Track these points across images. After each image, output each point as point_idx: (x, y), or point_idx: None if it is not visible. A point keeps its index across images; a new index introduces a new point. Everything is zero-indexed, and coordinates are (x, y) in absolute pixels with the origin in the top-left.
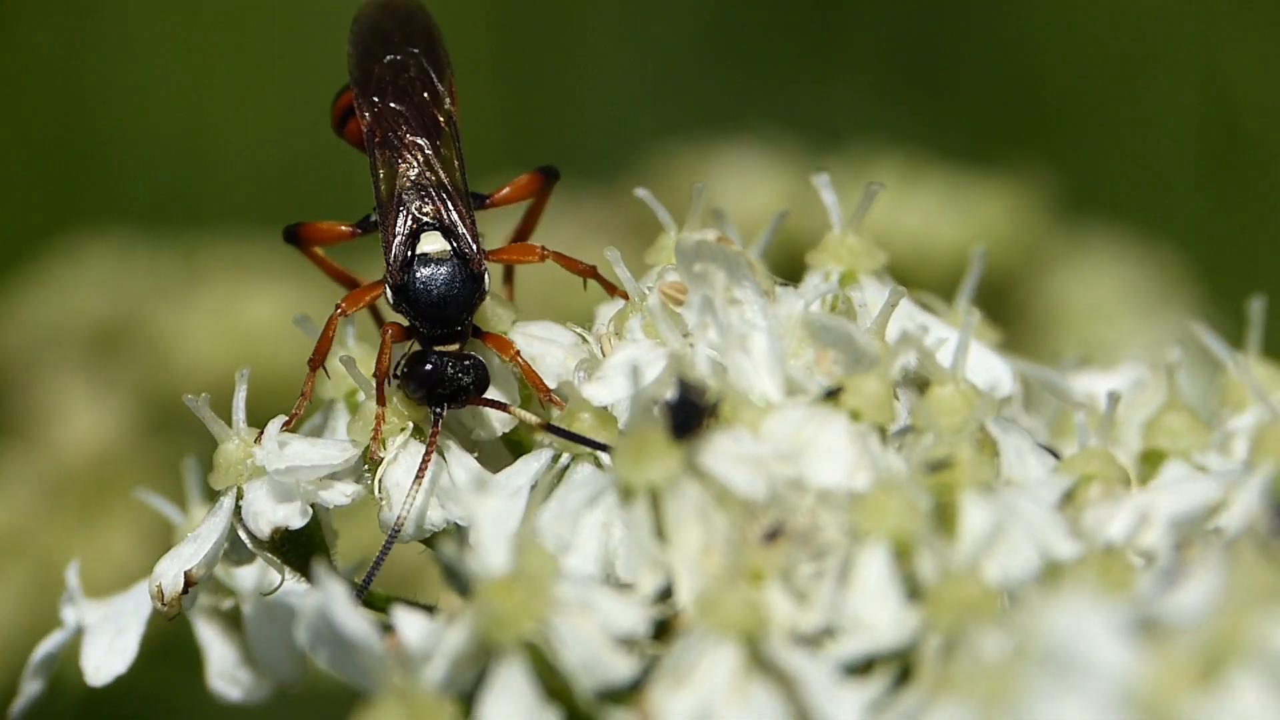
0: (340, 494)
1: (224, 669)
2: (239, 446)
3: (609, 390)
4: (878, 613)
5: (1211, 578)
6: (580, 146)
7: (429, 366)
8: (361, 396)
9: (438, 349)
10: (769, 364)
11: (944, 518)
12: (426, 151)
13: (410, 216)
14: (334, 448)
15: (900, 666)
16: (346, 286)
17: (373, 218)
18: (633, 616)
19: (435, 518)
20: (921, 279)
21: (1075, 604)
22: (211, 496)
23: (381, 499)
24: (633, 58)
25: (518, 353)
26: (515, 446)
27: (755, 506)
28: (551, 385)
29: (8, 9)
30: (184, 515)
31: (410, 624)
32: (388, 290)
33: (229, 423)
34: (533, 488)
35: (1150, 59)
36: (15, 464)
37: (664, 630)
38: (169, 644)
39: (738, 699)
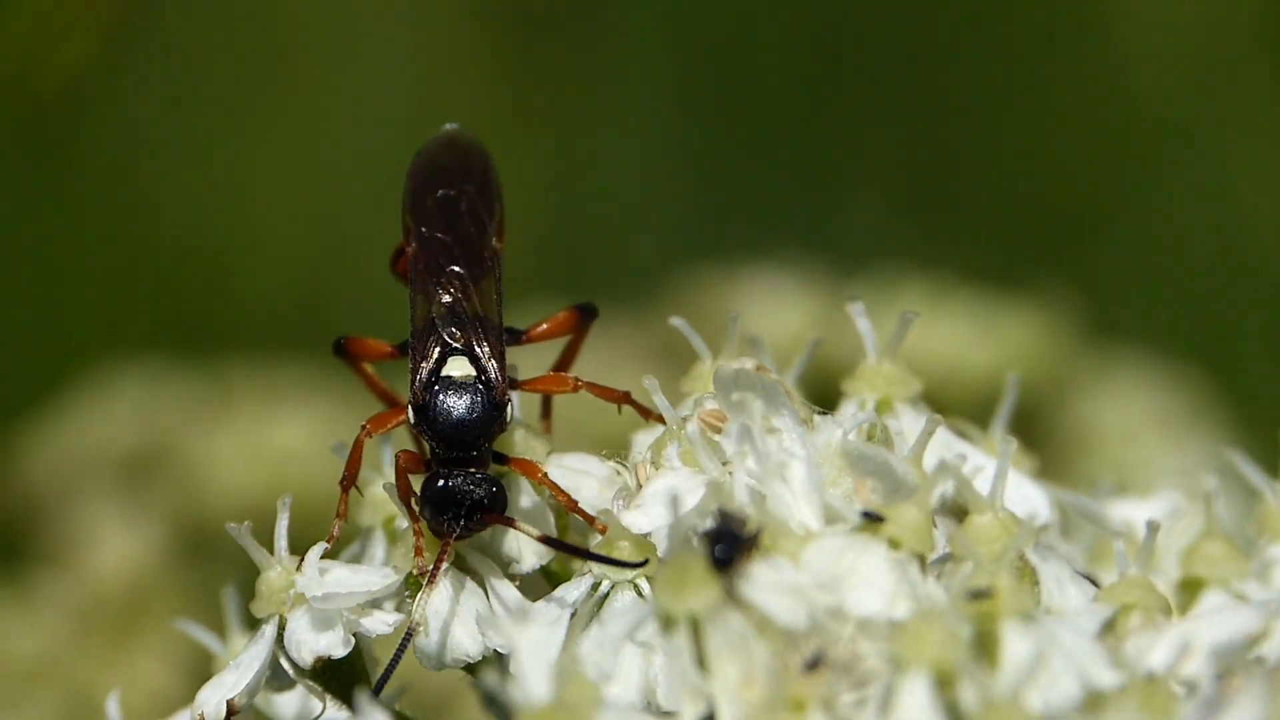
0: (382, 622)
1: None
2: (281, 574)
3: (648, 518)
4: None
5: (1255, 707)
6: (598, 267)
7: (440, 483)
8: (400, 523)
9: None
10: (808, 492)
11: (985, 647)
12: (465, 281)
13: (440, 341)
14: (375, 574)
15: None
16: (385, 404)
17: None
18: None
19: (471, 647)
20: (951, 403)
21: None
22: (251, 624)
23: (419, 626)
24: (642, 174)
25: (545, 475)
26: (553, 578)
27: (796, 635)
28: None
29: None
30: (222, 643)
31: None
32: (410, 411)
33: (268, 549)
34: (572, 616)
35: (1164, 171)
36: (48, 591)
37: None
38: None
39: None
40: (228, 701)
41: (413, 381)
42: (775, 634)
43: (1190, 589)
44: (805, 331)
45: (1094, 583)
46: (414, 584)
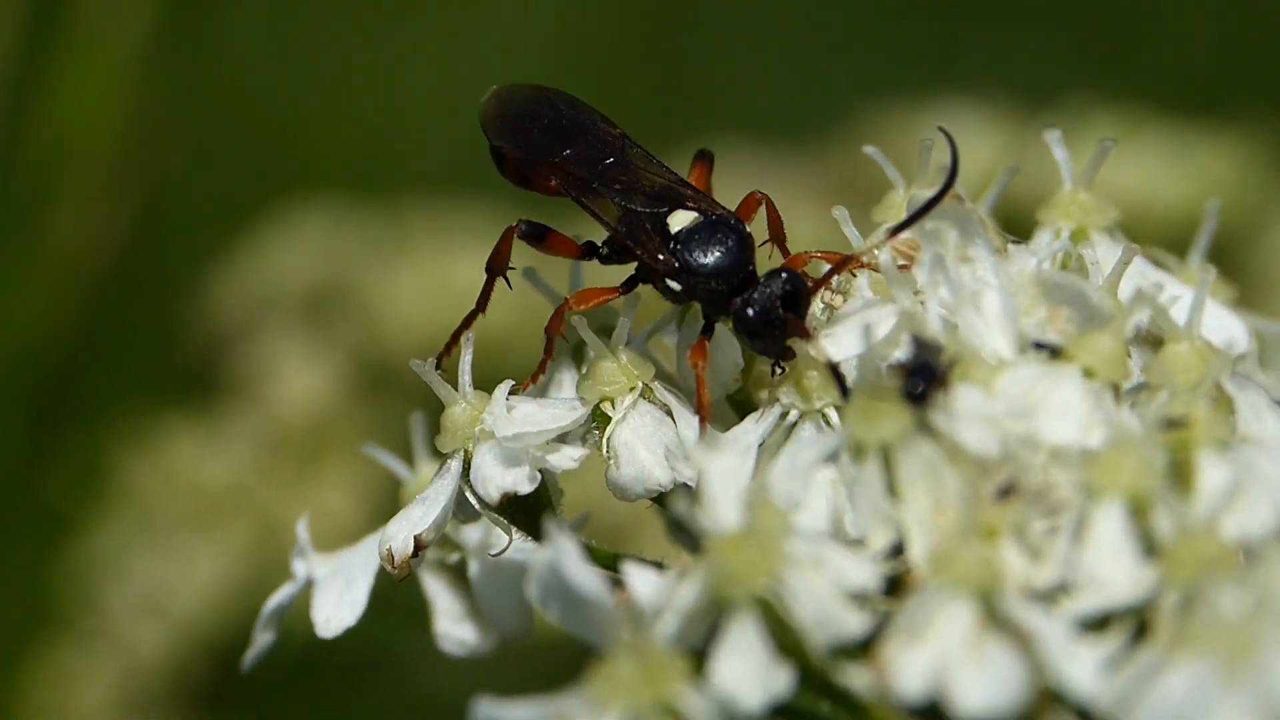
0: (568, 458)
1: (450, 622)
2: (466, 410)
3: (839, 347)
4: (1114, 569)
5: None
6: (774, 107)
7: (751, 310)
8: (590, 353)
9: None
10: (1001, 322)
11: (1180, 475)
12: (627, 162)
13: (648, 216)
14: (563, 408)
15: (1137, 623)
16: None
17: (601, 249)
18: (865, 572)
19: (661, 476)
20: (1144, 237)
21: None
22: (436, 456)
23: (610, 458)
24: (821, 14)
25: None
26: (740, 406)
27: (988, 464)
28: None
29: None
30: (410, 472)
31: (642, 580)
32: (668, 282)
33: (452, 385)
34: (761, 445)
35: None
36: (237, 422)
37: (895, 587)
38: (391, 597)
39: (973, 655)
40: (415, 536)
41: (653, 259)
42: (967, 462)
43: None
44: (994, 164)
45: None
46: (601, 417)
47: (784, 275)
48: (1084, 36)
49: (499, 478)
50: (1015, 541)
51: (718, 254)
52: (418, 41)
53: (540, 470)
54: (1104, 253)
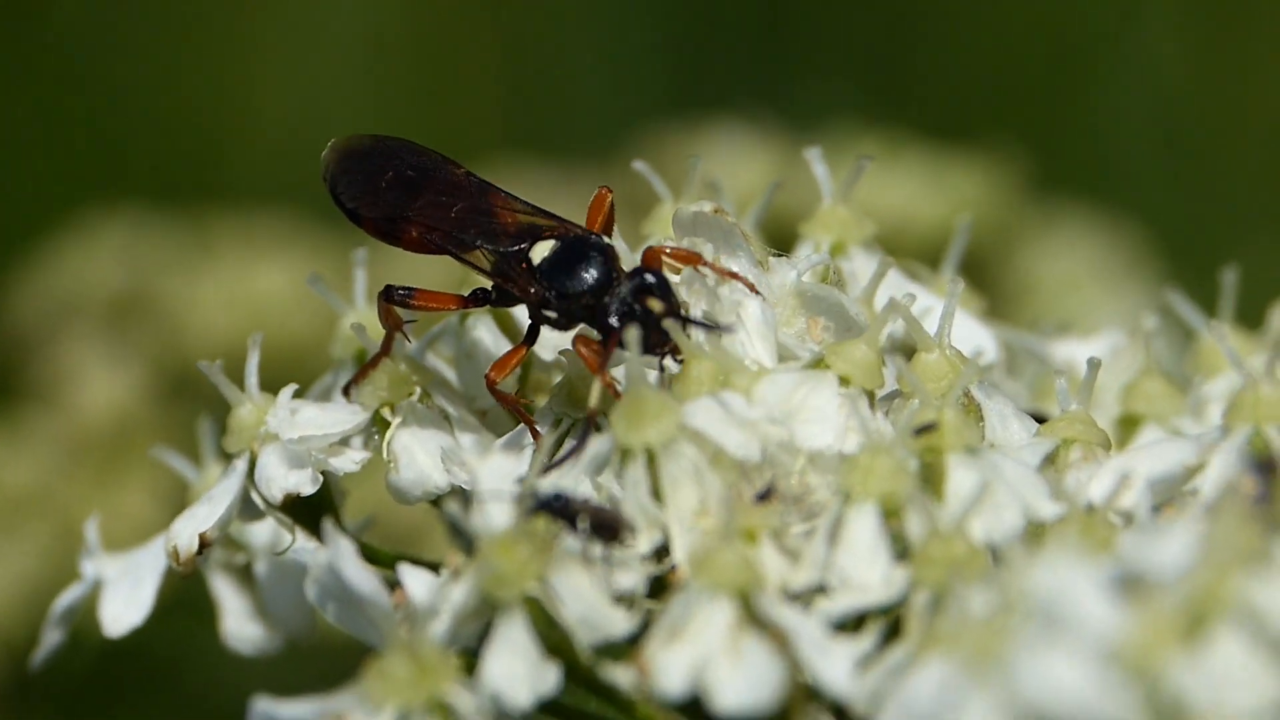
0: (350, 460)
1: (237, 622)
2: (252, 411)
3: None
4: (867, 570)
5: (1192, 533)
6: (568, 127)
7: (616, 319)
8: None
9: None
10: (762, 331)
11: (931, 480)
12: (480, 206)
13: (514, 255)
14: (344, 412)
15: (889, 622)
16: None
17: (491, 294)
18: (631, 574)
19: (439, 480)
20: (901, 254)
21: (1061, 561)
22: (225, 458)
23: (389, 462)
24: (614, 44)
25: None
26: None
27: (749, 468)
28: (547, 356)
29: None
30: (198, 473)
31: (416, 580)
32: (545, 313)
33: (241, 388)
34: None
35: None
36: (35, 427)
37: (661, 587)
38: (183, 598)
39: (732, 653)
40: (200, 534)
41: (524, 292)
42: (729, 466)
43: (1129, 425)
44: (763, 182)
45: (1038, 419)
46: (381, 421)
47: (642, 273)
48: (855, 66)
49: (282, 479)
50: (774, 543)
51: (580, 272)
52: (255, 45)
53: (323, 472)
54: (861, 265)
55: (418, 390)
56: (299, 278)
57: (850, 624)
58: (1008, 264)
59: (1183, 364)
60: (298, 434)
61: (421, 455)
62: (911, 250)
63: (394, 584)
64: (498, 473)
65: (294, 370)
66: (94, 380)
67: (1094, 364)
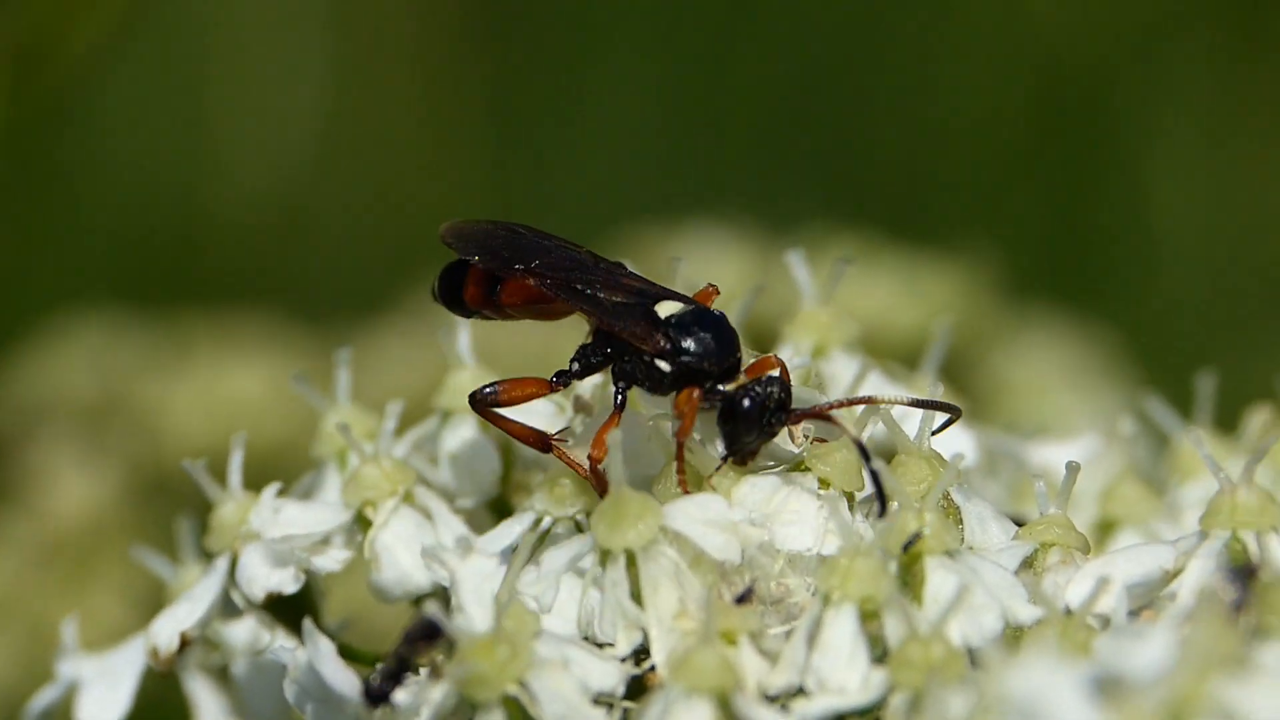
0: (333, 560)
1: None
2: (234, 510)
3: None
4: (846, 672)
5: (1169, 637)
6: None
7: (748, 399)
8: (354, 459)
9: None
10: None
11: (910, 583)
12: (601, 268)
13: (634, 307)
14: (327, 511)
15: None
16: (534, 444)
17: (572, 366)
18: (610, 674)
19: (421, 579)
20: (878, 357)
21: (1040, 663)
22: (204, 558)
23: (372, 561)
24: (593, 147)
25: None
26: (500, 514)
27: (729, 569)
28: (529, 454)
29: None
30: (175, 573)
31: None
32: (659, 364)
33: (221, 488)
34: (515, 551)
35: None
36: (9, 530)
37: (640, 688)
38: (159, 700)
39: None
40: (181, 632)
41: (644, 339)
42: (709, 568)
43: (1106, 529)
44: (741, 283)
45: (1017, 522)
46: (364, 521)
47: (778, 381)
48: (824, 167)
49: (265, 578)
50: (753, 645)
51: (710, 337)
52: (219, 141)
53: (305, 571)
54: (841, 367)
55: (401, 489)
56: (274, 379)
57: None
58: (980, 367)
59: (1159, 468)
60: (280, 533)
61: (403, 554)
62: (887, 354)
63: None
64: (478, 573)
65: (269, 472)
66: (68, 483)
67: (1073, 467)
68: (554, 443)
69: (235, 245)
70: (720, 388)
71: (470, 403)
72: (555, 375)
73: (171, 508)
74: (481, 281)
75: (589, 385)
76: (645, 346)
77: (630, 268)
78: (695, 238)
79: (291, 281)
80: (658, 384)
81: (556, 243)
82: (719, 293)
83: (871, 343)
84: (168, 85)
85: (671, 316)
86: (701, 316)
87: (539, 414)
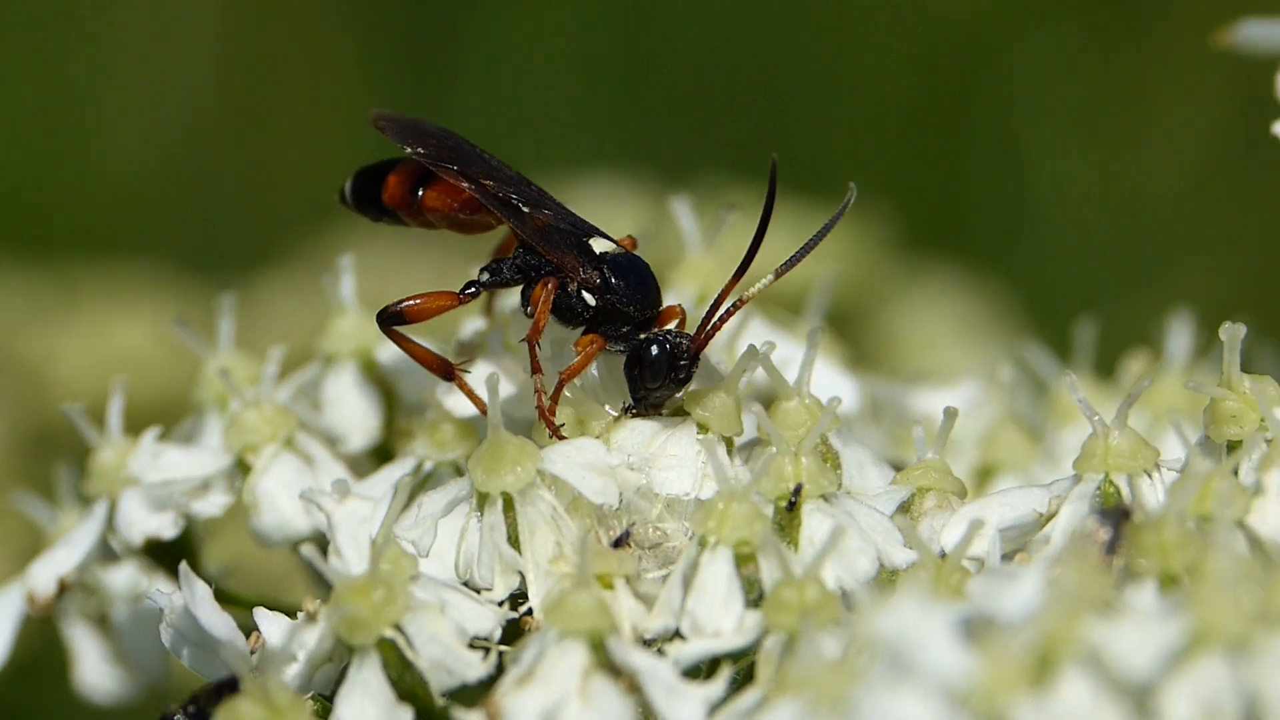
0: (212, 504)
1: (92, 670)
2: (114, 454)
3: (469, 404)
4: (721, 616)
5: (1040, 579)
6: None
7: (657, 347)
8: (235, 404)
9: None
10: (619, 380)
11: (786, 526)
12: (535, 190)
13: (569, 235)
14: (207, 456)
15: (744, 667)
16: (438, 371)
17: (482, 276)
18: (486, 618)
19: (301, 524)
20: (770, 306)
21: (907, 606)
22: (84, 504)
23: (252, 506)
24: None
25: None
26: (383, 458)
27: (606, 514)
28: (413, 398)
29: None
30: (54, 520)
31: (272, 624)
32: (585, 296)
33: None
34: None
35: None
36: None
37: (517, 632)
38: (40, 652)
39: (584, 698)
40: (58, 577)
41: (574, 266)
42: (586, 512)
43: (986, 474)
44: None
45: (896, 468)
46: (244, 466)
47: (686, 336)
48: (727, 121)
49: (143, 522)
50: (629, 589)
51: (641, 282)
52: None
53: (184, 516)
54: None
55: (281, 435)
56: (162, 330)
57: (703, 668)
58: (873, 319)
59: (1040, 415)
60: (160, 477)
61: (283, 499)
62: (778, 304)
63: (253, 628)
64: (354, 517)
65: (155, 422)
66: None
67: (950, 413)
68: (457, 371)
69: (125, 199)
70: (638, 333)
71: (378, 320)
72: (462, 288)
73: (57, 460)
74: (406, 179)
75: (470, 329)
76: (576, 276)
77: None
78: (592, 189)
79: (181, 234)
80: (576, 316)
81: (491, 157)
82: (636, 245)
83: (765, 292)
84: (61, 36)
85: (606, 254)
86: (634, 261)
87: None
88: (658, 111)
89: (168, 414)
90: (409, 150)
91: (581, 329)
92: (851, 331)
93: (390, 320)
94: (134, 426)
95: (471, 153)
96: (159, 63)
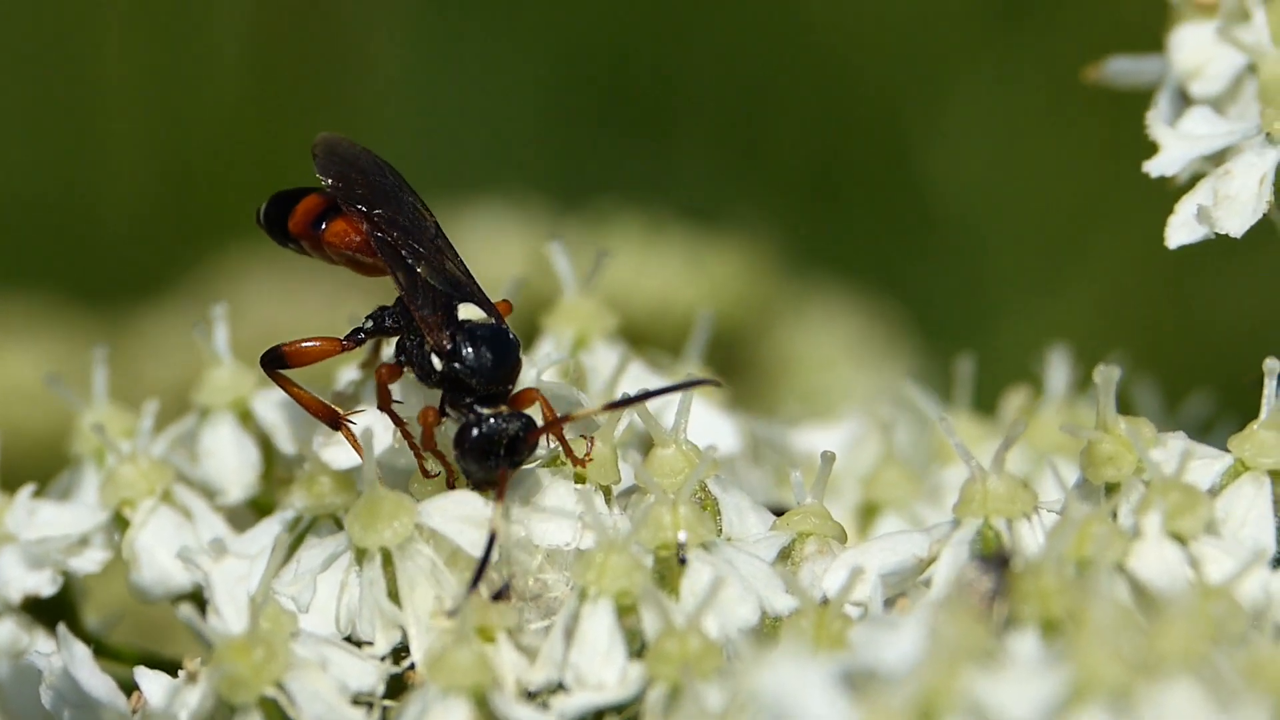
0: (90, 560)
1: None
2: None
3: (348, 455)
4: (603, 668)
5: (920, 628)
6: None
7: (477, 430)
8: (112, 458)
9: (486, 410)
10: None
11: (667, 576)
12: (439, 246)
13: (442, 294)
14: (84, 512)
15: (628, 719)
16: (324, 418)
17: (363, 328)
18: (368, 674)
19: (181, 580)
20: (661, 338)
21: (788, 660)
22: None
23: (130, 561)
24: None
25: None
26: (261, 510)
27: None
28: (290, 450)
29: None
30: None
31: (154, 683)
32: (433, 359)
33: None
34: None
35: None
36: None
37: (400, 687)
38: None
39: None
40: None
41: (431, 330)
42: (466, 565)
43: (870, 512)
44: (523, 267)
45: (777, 511)
46: (122, 520)
47: (521, 419)
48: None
49: (20, 580)
50: (511, 641)
51: (490, 358)
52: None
53: (63, 572)
54: (603, 358)
55: (159, 488)
56: (45, 367)
57: None
58: (764, 343)
59: (925, 449)
60: (36, 535)
61: (162, 554)
62: (670, 334)
63: (134, 687)
64: (231, 575)
65: (44, 461)
66: None
67: (828, 458)
68: (343, 420)
69: (12, 225)
70: (477, 409)
71: (261, 363)
72: (347, 335)
73: None
74: (314, 209)
75: (346, 379)
76: (429, 337)
77: (462, 262)
78: (480, 217)
79: (72, 264)
80: (426, 376)
81: (412, 200)
82: (509, 311)
83: (654, 324)
84: None
85: (467, 322)
86: (495, 336)
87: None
88: (549, 132)
89: (55, 453)
90: (323, 181)
91: (430, 389)
92: (743, 356)
93: (274, 363)
94: (21, 464)
95: (393, 194)
96: (57, 83)
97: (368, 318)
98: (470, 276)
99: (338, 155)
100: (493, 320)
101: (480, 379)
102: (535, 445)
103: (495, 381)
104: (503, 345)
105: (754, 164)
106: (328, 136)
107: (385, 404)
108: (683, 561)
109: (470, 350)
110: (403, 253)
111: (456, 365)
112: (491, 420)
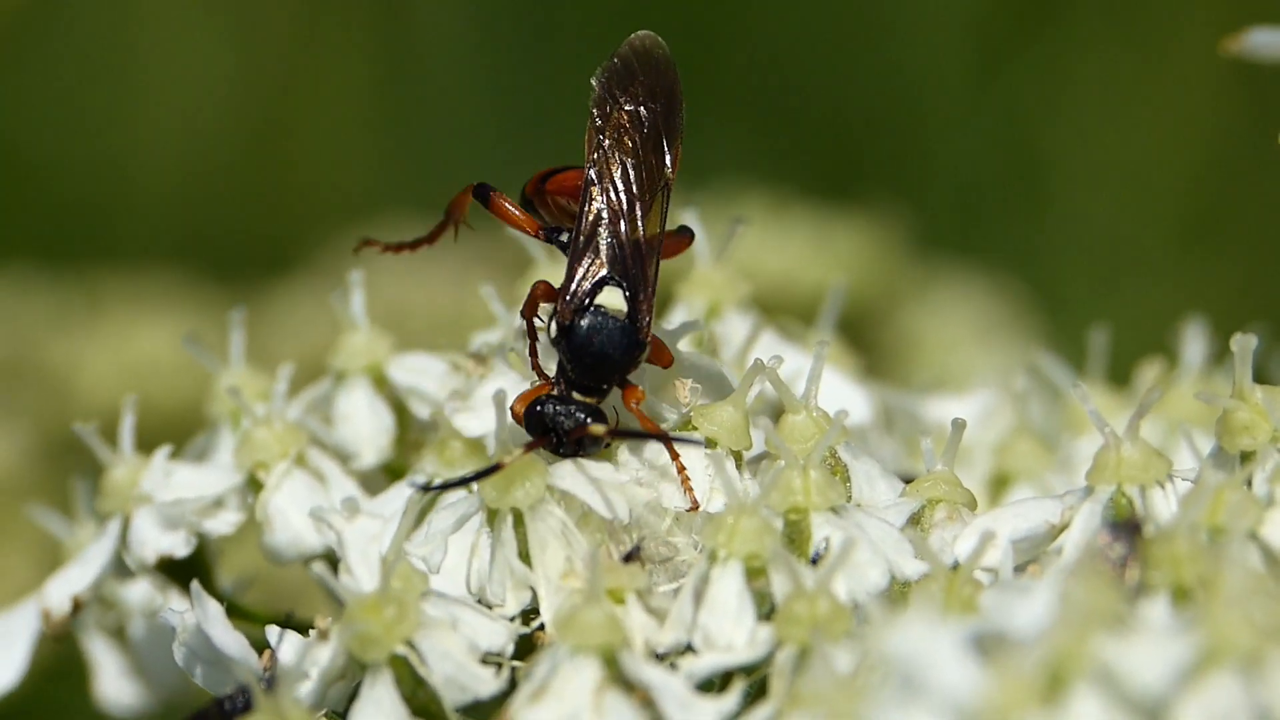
0: (224, 522)
1: (112, 683)
2: (126, 472)
3: (479, 421)
4: (732, 630)
5: (1052, 593)
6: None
7: (540, 407)
8: (247, 421)
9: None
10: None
11: (796, 540)
12: (637, 211)
13: (599, 264)
14: (218, 474)
15: (755, 681)
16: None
17: (565, 238)
18: (498, 633)
19: (314, 541)
20: (783, 315)
21: (918, 622)
22: (100, 519)
23: (264, 524)
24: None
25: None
26: (393, 474)
27: (616, 528)
28: (424, 415)
29: None
30: (71, 535)
31: (285, 642)
32: (551, 325)
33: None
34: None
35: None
36: None
37: (529, 647)
38: (62, 662)
39: (597, 713)
40: (73, 596)
41: (563, 295)
42: (596, 526)
43: (1001, 483)
44: None
45: (907, 479)
46: (256, 483)
47: (584, 417)
48: (740, 119)
49: (155, 541)
50: (640, 603)
51: (588, 355)
52: (136, 99)
53: (197, 534)
54: (735, 328)
55: (293, 451)
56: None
57: (715, 683)
58: (889, 323)
59: (1053, 422)
60: (172, 496)
61: (295, 516)
62: (794, 311)
63: (266, 646)
64: (364, 534)
65: (179, 430)
66: None
67: (959, 425)
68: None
69: (148, 206)
70: (560, 387)
71: (473, 191)
72: (547, 230)
73: (80, 469)
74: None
75: (481, 342)
76: (558, 304)
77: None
78: None
79: (205, 240)
80: (552, 338)
81: (660, 161)
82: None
83: (779, 300)
84: (81, 48)
85: (597, 308)
86: (606, 339)
87: (431, 374)
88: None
89: (189, 422)
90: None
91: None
92: (867, 336)
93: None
94: (157, 434)
95: (649, 139)
96: (184, 71)
97: (566, 231)
98: (655, 261)
99: (628, 69)
100: (623, 317)
101: (573, 369)
102: (582, 445)
103: (585, 378)
104: (605, 351)
105: (876, 141)
106: (649, 40)
107: (530, 313)
108: (814, 561)
109: (573, 343)
110: (604, 215)
111: (561, 343)
112: (555, 407)
